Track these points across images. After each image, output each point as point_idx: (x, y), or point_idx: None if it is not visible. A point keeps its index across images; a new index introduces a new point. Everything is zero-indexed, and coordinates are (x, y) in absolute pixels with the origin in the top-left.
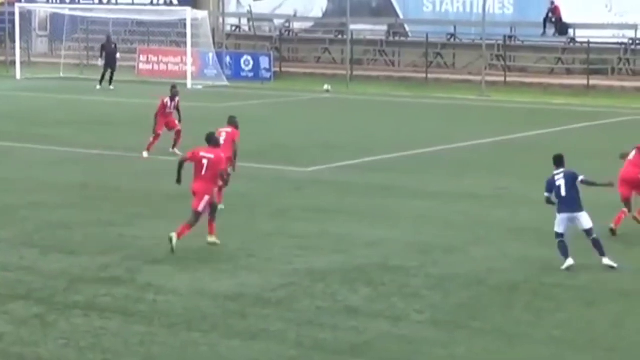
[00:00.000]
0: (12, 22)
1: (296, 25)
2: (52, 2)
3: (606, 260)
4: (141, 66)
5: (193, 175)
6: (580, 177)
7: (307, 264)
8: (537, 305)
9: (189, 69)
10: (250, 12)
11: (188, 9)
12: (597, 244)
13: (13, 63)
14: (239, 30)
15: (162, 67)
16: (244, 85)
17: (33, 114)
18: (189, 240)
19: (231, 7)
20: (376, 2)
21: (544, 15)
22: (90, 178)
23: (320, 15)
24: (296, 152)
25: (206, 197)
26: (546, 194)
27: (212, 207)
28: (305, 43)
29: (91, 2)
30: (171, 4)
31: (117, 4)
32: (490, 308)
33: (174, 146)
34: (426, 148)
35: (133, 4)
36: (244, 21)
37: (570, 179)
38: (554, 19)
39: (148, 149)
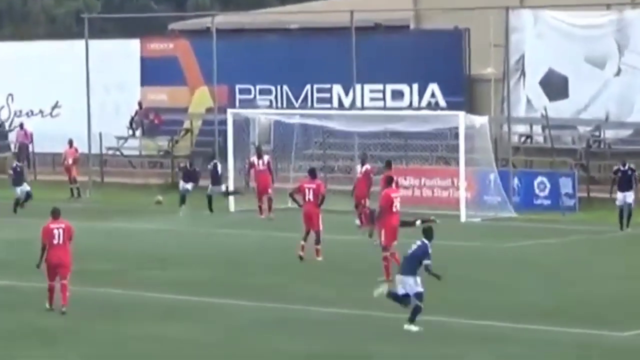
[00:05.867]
0: (224, 133)
1: (608, 134)
2: (276, 107)
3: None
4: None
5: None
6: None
7: None
8: None
9: (462, 194)
10: (545, 116)
11: (461, 113)
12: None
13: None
14: (531, 141)
15: (426, 192)
16: (537, 217)
17: (240, 258)
18: None
19: (519, 110)
20: None
21: None
22: (320, 347)
23: None
24: (607, 311)
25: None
26: None
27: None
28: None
29: (329, 106)
30: (437, 106)
31: (362, 107)
32: None
33: None
34: None
35: (385, 108)
36: (537, 129)
37: None
38: None
39: None
